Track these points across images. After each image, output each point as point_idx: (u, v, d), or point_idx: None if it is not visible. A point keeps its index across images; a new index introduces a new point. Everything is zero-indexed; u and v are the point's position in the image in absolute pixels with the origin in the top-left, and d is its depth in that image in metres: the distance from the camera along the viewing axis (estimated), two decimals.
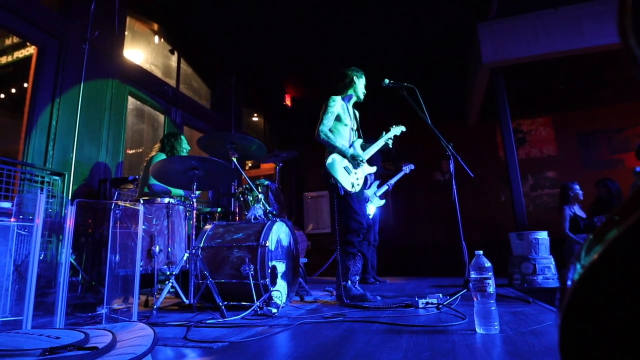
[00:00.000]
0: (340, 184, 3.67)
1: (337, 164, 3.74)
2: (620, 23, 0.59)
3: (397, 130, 4.30)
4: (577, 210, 5.87)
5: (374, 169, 4.12)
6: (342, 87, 4.10)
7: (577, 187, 5.92)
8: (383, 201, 6.32)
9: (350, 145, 3.95)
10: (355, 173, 3.84)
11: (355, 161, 3.85)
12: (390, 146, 4.22)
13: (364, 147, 4.07)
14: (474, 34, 6.73)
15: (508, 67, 6.61)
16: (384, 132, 4.23)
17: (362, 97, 4.15)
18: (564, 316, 0.54)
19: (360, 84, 4.10)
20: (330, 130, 3.88)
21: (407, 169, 6.61)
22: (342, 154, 3.82)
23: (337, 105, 3.92)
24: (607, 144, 8.72)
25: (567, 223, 5.76)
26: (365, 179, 4.05)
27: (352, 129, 4.05)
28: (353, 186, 3.77)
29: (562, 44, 6.20)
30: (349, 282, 3.64)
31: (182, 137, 4.61)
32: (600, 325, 0.51)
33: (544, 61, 6.54)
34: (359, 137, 4.14)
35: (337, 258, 3.71)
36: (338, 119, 3.93)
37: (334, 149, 3.83)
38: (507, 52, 6.42)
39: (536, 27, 6.33)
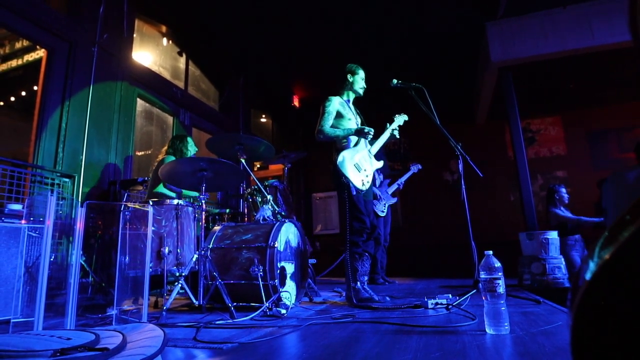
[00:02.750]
0: (352, 183, 3.61)
1: (347, 162, 3.67)
2: (632, 20, 0.58)
3: (400, 120, 4.23)
4: (562, 212, 5.88)
5: (381, 163, 4.06)
6: (340, 85, 4.06)
7: (564, 190, 5.93)
8: (395, 199, 6.32)
9: (357, 142, 3.89)
10: (365, 170, 3.79)
11: (362, 135, 3.76)
12: (397, 136, 4.14)
13: (371, 142, 4.02)
14: (482, 33, 6.70)
15: (517, 66, 6.58)
16: (388, 124, 4.16)
17: (361, 92, 4.08)
18: (576, 316, 0.54)
19: (356, 80, 4.03)
20: (334, 128, 3.83)
21: (414, 168, 6.60)
22: (349, 135, 3.77)
23: (334, 104, 3.87)
24: (617, 142, 8.66)
25: (567, 213, 5.75)
26: (373, 176, 4.02)
27: (357, 124, 4.00)
28: (363, 184, 3.72)
29: (571, 42, 6.16)
30: (358, 283, 3.62)
31: (189, 139, 4.62)
32: (613, 326, 0.51)
33: (553, 60, 6.51)
34: None
35: (346, 259, 3.68)
36: (340, 116, 3.88)
37: (338, 138, 3.78)
38: (515, 51, 6.39)
39: (545, 26, 6.29)
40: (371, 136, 3.79)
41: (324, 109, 3.85)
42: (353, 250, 3.66)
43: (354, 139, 3.88)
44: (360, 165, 3.77)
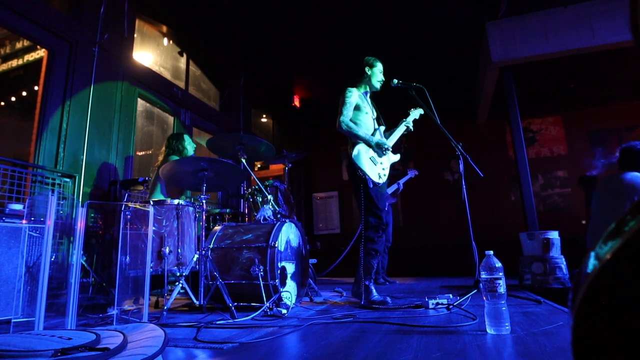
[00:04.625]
0: (368, 176, 3.56)
1: (363, 155, 3.63)
2: (633, 20, 0.58)
3: (416, 113, 4.18)
4: None
5: (397, 157, 4.01)
6: (358, 78, 4.01)
7: None
8: (394, 200, 6.33)
9: (373, 133, 3.85)
10: (381, 163, 3.76)
11: (380, 149, 3.75)
12: (412, 129, 4.09)
13: (385, 135, 3.99)
14: (483, 33, 6.69)
15: (517, 66, 6.58)
16: (404, 118, 4.13)
17: (378, 86, 4.02)
18: (577, 316, 0.53)
19: (374, 72, 3.98)
20: (352, 121, 3.77)
21: (412, 173, 6.64)
22: (367, 142, 3.72)
23: (354, 95, 3.81)
24: (618, 142, 8.65)
25: None
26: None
27: (373, 118, 3.96)
28: (380, 177, 3.68)
29: (571, 42, 6.16)
30: (372, 281, 3.55)
31: (185, 136, 4.60)
32: (614, 326, 0.51)
33: (554, 60, 6.50)
34: (380, 124, 4.03)
35: (360, 255, 3.60)
36: (358, 108, 3.82)
37: (357, 138, 3.71)
38: (516, 51, 6.38)
39: (545, 26, 6.29)
40: (388, 152, 3.82)
41: (344, 99, 3.79)
42: (368, 247, 3.58)
43: (369, 129, 3.85)
44: (376, 158, 3.73)
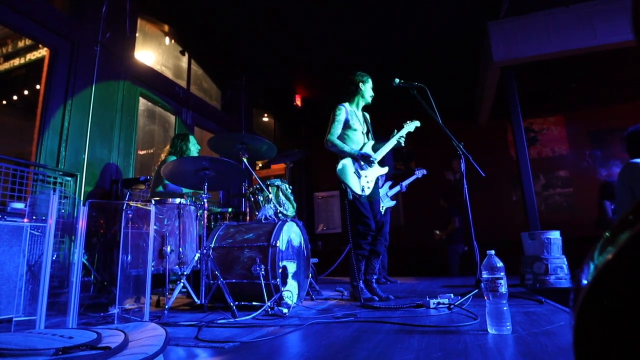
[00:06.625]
0: (351, 188, 3.75)
1: (348, 169, 3.82)
2: (635, 20, 0.58)
3: (411, 126, 4.28)
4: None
5: (385, 169, 4.11)
6: (349, 93, 4.17)
7: None
8: (394, 202, 6.29)
9: (362, 148, 3.99)
10: (366, 177, 3.90)
11: (366, 161, 3.90)
12: (403, 144, 4.19)
13: (375, 148, 4.08)
14: (485, 33, 6.69)
15: (519, 66, 6.57)
16: (396, 130, 4.21)
17: (369, 100, 4.21)
18: (578, 317, 0.53)
19: (366, 88, 4.16)
20: (341, 137, 3.96)
21: (419, 173, 6.55)
22: (353, 156, 3.88)
23: (343, 113, 4.00)
24: (619, 142, 8.64)
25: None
26: (376, 180, 4.05)
27: (362, 132, 4.11)
28: (363, 190, 3.83)
29: (573, 42, 6.15)
30: (361, 282, 3.72)
31: (191, 137, 4.61)
32: (615, 327, 0.51)
33: (556, 60, 6.50)
34: (370, 139, 4.15)
35: (351, 259, 3.80)
36: (348, 125, 4.00)
37: (343, 153, 3.89)
38: (518, 51, 6.38)
39: (547, 26, 6.28)
40: (374, 165, 3.97)
41: (334, 117, 3.99)
42: (357, 252, 3.79)
43: (358, 144, 4.01)
44: (360, 172, 3.89)
